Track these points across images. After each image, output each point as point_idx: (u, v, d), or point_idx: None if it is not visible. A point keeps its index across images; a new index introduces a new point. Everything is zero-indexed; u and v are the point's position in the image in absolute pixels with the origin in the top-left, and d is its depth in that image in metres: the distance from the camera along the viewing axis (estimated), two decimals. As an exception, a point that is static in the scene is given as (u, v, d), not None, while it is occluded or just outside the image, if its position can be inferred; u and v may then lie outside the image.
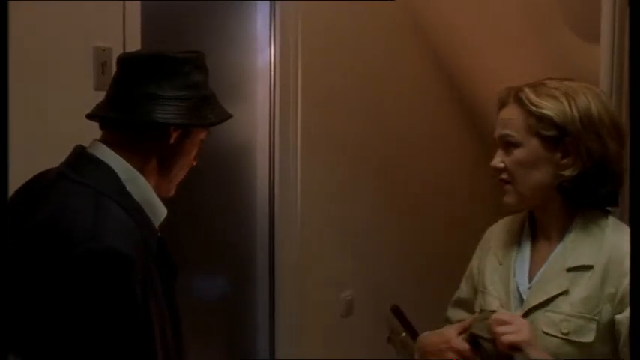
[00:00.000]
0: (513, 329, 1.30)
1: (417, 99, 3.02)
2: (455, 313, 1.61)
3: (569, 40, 2.56)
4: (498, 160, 1.41)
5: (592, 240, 1.36)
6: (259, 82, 2.55)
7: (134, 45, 1.88)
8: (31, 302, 1.17)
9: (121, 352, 1.15)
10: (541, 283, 1.38)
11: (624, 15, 1.88)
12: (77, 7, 1.79)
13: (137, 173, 1.27)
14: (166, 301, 1.25)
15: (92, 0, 1.82)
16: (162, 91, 1.24)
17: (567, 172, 1.35)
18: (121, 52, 1.85)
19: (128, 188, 1.25)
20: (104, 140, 1.28)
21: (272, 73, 2.53)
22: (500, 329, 1.31)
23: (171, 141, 1.27)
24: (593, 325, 1.32)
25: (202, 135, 1.33)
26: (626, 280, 1.28)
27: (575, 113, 1.34)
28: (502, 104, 1.43)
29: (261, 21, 2.54)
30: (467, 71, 3.11)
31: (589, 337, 1.31)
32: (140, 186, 1.27)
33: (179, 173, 1.34)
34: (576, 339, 1.32)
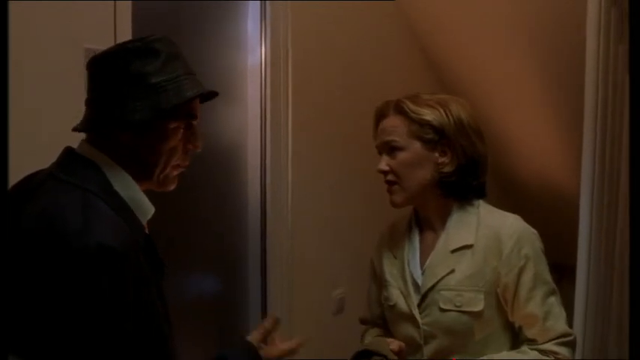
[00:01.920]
0: None
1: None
2: (369, 312, 1.81)
3: (559, 40, 2.58)
4: (384, 164, 1.61)
5: (468, 223, 1.59)
6: (250, 81, 2.55)
7: (125, 45, 1.88)
8: (26, 302, 1.17)
9: (115, 348, 1.16)
10: (431, 267, 1.60)
11: (609, 17, 1.90)
12: (68, 8, 1.79)
13: (123, 172, 1.28)
14: (157, 296, 1.26)
15: (83, 0, 1.82)
16: (114, 89, 1.25)
17: (445, 169, 1.58)
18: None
19: (115, 187, 1.26)
20: (90, 140, 1.30)
21: (263, 72, 2.53)
22: None
23: (140, 134, 1.27)
24: (481, 296, 1.54)
25: (180, 121, 1.30)
26: (506, 251, 1.53)
27: (450, 118, 1.58)
28: (382, 115, 1.64)
29: (251, 21, 2.54)
30: (457, 70, 3.13)
31: (479, 307, 1.54)
32: (126, 184, 1.28)
33: (169, 161, 1.32)
34: (469, 309, 1.54)
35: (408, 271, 1.64)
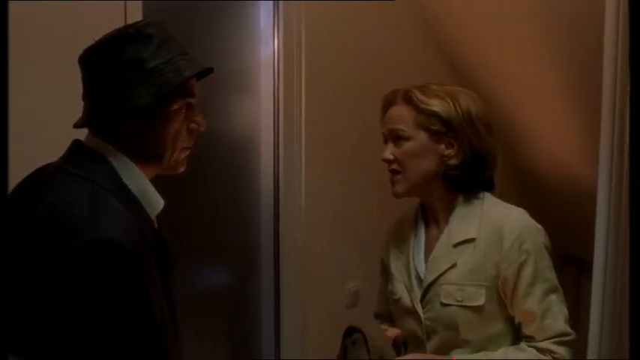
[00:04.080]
0: None
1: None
2: (381, 307, 1.81)
3: (577, 30, 2.54)
4: (388, 153, 1.60)
5: (472, 217, 1.57)
6: (263, 74, 2.55)
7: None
8: (35, 298, 1.16)
9: (125, 344, 1.15)
10: (433, 261, 1.59)
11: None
12: (78, 5, 1.79)
13: (131, 163, 1.27)
14: (163, 292, 1.25)
15: (93, 0, 1.81)
16: (111, 79, 1.24)
17: (451, 161, 1.56)
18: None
19: (124, 179, 1.25)
20: (95, 132, 1.28)
21: (276, 65, 2.52)
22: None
23: (144, 120, 1.26)
24: (483, 290, 1.52)
25: (181, 101, 1.29)
26: (506, 245, 1.50)
27: (459, 111, 1.55)
28: (390, 103, 1.62)
29: (264, 14, 2.53)
30: (473, 64, 3.10)
31: (480, 301, 1.52)
32: (135, 176, 1.27)
33: (176, 144, 1.31)
34: (470, 304, 1.53)
35: (413, 265, 1.63)
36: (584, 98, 2.68)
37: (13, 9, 1.40)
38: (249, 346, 2.63)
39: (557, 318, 1.52)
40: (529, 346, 1.52)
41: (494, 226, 1.54)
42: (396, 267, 1.68)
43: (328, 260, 2.70)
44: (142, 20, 1.30)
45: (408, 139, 1.57)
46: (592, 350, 1.70)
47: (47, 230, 1.17)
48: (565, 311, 1.54)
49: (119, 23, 1.82)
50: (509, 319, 1.56)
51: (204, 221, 2.44)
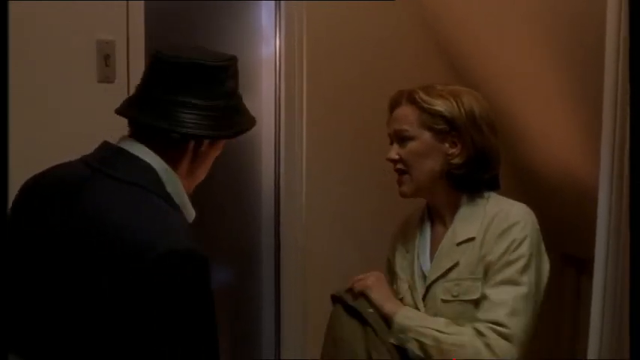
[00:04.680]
0: (362, 279, 1.63)
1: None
2: None
3: (578, 30, 2.54)
4: (394, 153, 1.61)
5: (475, 216, 1.57)
6: (264, 74, 2.55)
7: (138, 37, 1.86)
8: (93, 306, 1.12)
9: (206, 351, 1.15)
10: (437, 259, 1.59)
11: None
12: (79, 5, 1.78)
13: (174, 174, 1.25)
14: None
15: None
16: (197, 100, 1.23)
17: (455, 160, 1.56)
18: (125, 44, 1.84)
19: (167, 189, 1.24)
20: (137, 138, 1.25)
21: (277, 65, 2.52)
22: (354, 281, 1.64)
23: (202, 149, 1.28)
24: (479, 284, 1.52)
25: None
26: (502, 246, 1.50)
27: (462, 110, 1.56)
28: (395, 104, 1.62)
29: (266, 13, 2.53)
30: (473, 64, 3.09)
31: (476, 295, 1.51)
32: (177, 187, 1.26)
33: (202, 176, 1.35)
34: (466, 298, 1.52)
35: (418, 263, 1.63)
36: (584, 98, 2.68)
37: (13, 9, 1.40)
38: (250, 345, 2.63)
39: (503, 308, 1.47)
40: (471, 326, 1.50)
41: (494, 224, 1.54)
42: (401, 266, 1.68)
43: (329, 259, 2.70)
44: (230, 55, 1.30)
45: (412, 138, 1.58)
46: (592, 350, 1.70)
47: (104, 238, 1.12)
48: (520, 310, 1.48)
49: (121, 23, 1.83)
50: None
51: (204, 220, 2.43)
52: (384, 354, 1.55)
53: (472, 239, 1.55)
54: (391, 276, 1.75)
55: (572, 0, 2.47)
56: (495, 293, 1.49)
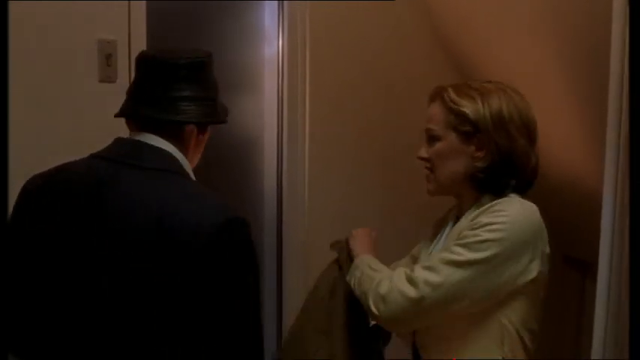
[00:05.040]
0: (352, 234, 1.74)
1: (426, 90, 2.99)
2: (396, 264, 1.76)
3: (584, 32, 2.53)
4: (423, 151, 1.59)
5: (483, 211, 1.50)
6: (267, 74, 2.54)
7: (139, 37, 1.85)
8: (160, 291, 1.20)
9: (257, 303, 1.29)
10: (438, 249, 1.58)
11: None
12: (81, 5, 1.77)
13: (186, 160, 1.36)
14: None
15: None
16: (195, 92, 1.34)
17: (479, 164, 1.52)
18: (126, 44, 1.84)
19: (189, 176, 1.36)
20: (161, 133, 1.34)
21: (280, 64, 2.51)
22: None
23: (202, 136, 1.39)
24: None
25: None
26: (469, 224, 1.47)
27: (487, 112, 1.51)
28: (430, 100, 1.59)
29: (269, 13, 2.52)
30: (478, 62, 3.08)
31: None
32: (190, 172, 1.37)
33: (197, 161, 1.44)
34: None
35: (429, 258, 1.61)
36: (586, 97, 2.67)
37: (13, 9, 1.40)
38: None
39: (438, 273, 1.43)
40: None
41: (482, 212, 1.48)
42: (421, 260, 1.67)
43: (331, 259, 2.69)
44: (206, 51, 1.41)
45: (439, 139, 1.55)
46: (596, 352, 1.69)
47: (175, 225, 1.20)
48: (438, 267, 1.44)
49: (122, 23, 1.83)
50: (498, 309, 1.48)
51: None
52: (340, 296, 1.64)
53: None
54: (408, 260, 1.76)
55: (580, 1, 2.46)
56: (437, 260, 1.46)
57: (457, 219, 1.62)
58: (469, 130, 1.52)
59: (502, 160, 1.52)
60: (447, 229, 1.65)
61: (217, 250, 1.20)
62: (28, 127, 1.60)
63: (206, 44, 2.31)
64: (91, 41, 1.78)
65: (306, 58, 2.51)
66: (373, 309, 1.48)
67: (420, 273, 1.45)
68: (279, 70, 2.51)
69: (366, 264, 1.60)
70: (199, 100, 1.35)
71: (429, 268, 1.45)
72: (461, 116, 1.52)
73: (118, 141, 1.35)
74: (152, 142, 1.32)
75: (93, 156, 1.33)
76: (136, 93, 1.35)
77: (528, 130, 1.55)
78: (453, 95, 1.54)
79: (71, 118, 1.53)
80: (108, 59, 1.72)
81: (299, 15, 2.49)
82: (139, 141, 1.32)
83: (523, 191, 1.58)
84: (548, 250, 1.53)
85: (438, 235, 1.67)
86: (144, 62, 1.35)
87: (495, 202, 1.52)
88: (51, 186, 1.31)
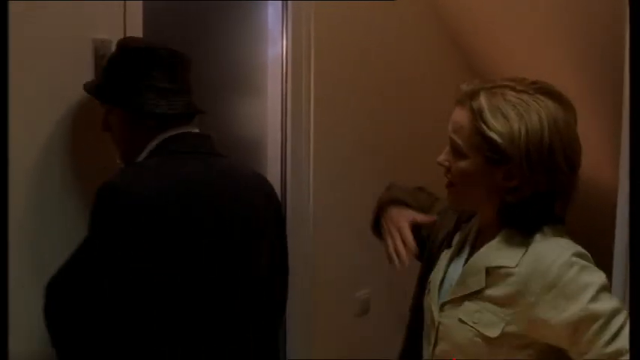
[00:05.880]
0: None
1: (431, 92, 2.95)
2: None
3: (597, 31, 2.49)
4: (444, 159, 1.38)
5: (517, 245, 1.33)
6: (271, 75, 2.52)
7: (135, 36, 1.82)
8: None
9: None
10: (463, 276, 1.39)
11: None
12: (78, 5, 1.76)
13: None
14: None
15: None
16: (161, 83, 1.49)
17: (509, 198, 1.31)
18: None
19: None
20: (194, 122, 1.58)
21: (284, 65, 2.49)
22: None
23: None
24: (502, 324, 1.31)
25: None
26: (551, 294, 1.26)
27: (522, 139, 1.26)
28: (460, 99, 1.35)
29: (273, 14, 2.49)
30: (488, 63, 3.05)
31: (494, 333, 1.31)
32: None
33: None
34: (483, 331, 1.33)
35: (446, 267, 1.47)
36: (600, 98, 2.64)
37: (13, 9, 1.41)
38: (256, 353, 2.59)
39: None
40: None
41: (542, 266, 1.29)
42: (437, 268, 1.51)
43: (337, 266, 2.66)
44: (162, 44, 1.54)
45: (464, 156, 1.33)
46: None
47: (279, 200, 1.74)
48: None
49: (118, 23, 1.80)
50: None
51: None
52: None
53: (507, 268, 1.33)
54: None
55: (594, 1, 2.43)
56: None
57: (477, 236, 1.44)
58: (496, 157, 1.29)
59: (538, 195, 1.30)
60: (467, 247, 1.46)
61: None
62: (22, 125, 1.58)
63: (210, 46, 2.28)
64: (85, 41, 1.76)
65: (311, 58, 2.49)
66: None
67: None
68: (283, 71, 2.49)
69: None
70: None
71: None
72: (489, 141, 1.28)
73: (188, 135, 1.48)
74: (201, 132, 1.53)
75: (182, 153, 1.45)
76: (169, 87, 1.47)
77: (573, 155, 1.32)
78: (485, 105, 1.29)
79: (66, 117, 1.51)
80: (103, 59, 1.69)
81: (303, 15, 2.48)
82: (198, 133, 1.51)
83: (557, 222, 1.37)
84: None
85: (457, 249, 1.48)
86: (155, 55, 1.46)
87: (546, 250, 1.30)
88: (176, 190, 1.41)
